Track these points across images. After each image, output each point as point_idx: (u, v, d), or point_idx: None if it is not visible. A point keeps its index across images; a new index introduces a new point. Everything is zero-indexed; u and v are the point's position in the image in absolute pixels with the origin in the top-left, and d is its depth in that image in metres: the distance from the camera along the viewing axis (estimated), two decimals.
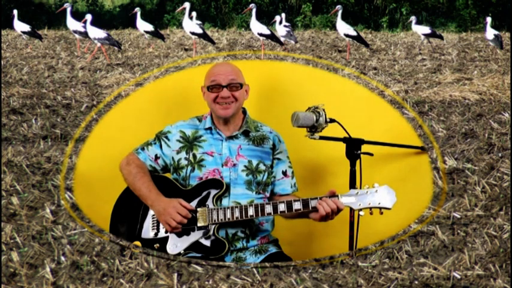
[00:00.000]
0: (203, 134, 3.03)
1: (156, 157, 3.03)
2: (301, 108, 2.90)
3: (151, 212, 2.93)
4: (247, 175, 2.98)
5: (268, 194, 3.04)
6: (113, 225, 3.02)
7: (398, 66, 10.12)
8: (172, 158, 3.02)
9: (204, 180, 2.95)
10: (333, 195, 2.83)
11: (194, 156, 2.99)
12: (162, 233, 2.91)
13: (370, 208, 2.81)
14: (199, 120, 3.07)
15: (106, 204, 3.04)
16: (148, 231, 2.93)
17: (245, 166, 2.99)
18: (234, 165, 2.98)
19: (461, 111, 6.81)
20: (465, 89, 7.87)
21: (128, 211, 2.97)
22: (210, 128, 3.03)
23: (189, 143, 3.02)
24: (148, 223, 2.93)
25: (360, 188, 2.87)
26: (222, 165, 2.97)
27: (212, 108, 3.00)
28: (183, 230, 2.87)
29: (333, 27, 15.82)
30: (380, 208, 2.81)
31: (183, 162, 2.99)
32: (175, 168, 3.01)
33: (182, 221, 2.85)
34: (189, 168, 2.98)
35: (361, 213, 2.81)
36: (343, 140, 2.95)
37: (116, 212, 3.01)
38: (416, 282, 2.98)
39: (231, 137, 3.02)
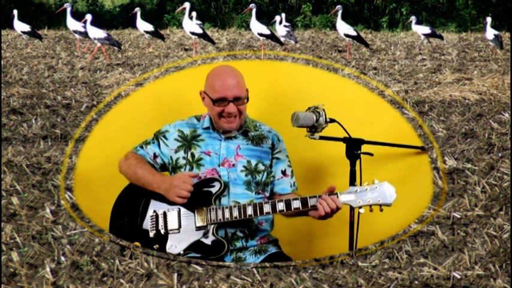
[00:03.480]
0: (201, 133, 3.02)
1: (155, 156, 3.03)
2: (301, 108, 2.90)
3: (149, 212, 2.92)
4: (246, 175, 2.97)
5: (267, 194, 3.03)
6: (113, 224, 3.01)
7: (398, 66, 10.12)
8: (171, 157, 3.02)
9: (202, 179, 2.94)
10: (331, 192, 2.82)
11: (192, 155, 2.98)
12: (162, 233, 2.90)
13: (370, 205, 2.80)
14: (198, 119, 3.06)
15: (106, 204, 3.04)
16: (148, 232, 2.92)
17: (244, 166, 2.98)
18: (233, 165, 2.98)
19: (461, 111, 6.80)
20: (465, 89, 7.86)
21: (127, 210, 2.97)
22: (208, 128, 3.02)
23: (187, 142, 3.01)
24: (147, 223, 2.93)
25: (360, 185, 2.86)
26: (219, 165, 2.97)
27: (216, 120, 2.97)
28: (182, 230, 2.87)
29: (333, 27, 15.82)
30: (380, 205, 2.80)
31: (182, 162, 2.98)
32: (173, 167, 3.01)
33: (190, 189, 2.84)
34: (188, 167, 2.97)
35: (361, 210, 2.81)
36: (343, 140, 2.95)
37: (115, 211, 3.01)
38: (416, 282, 2.97)
39: (229, 137, 3.01)
